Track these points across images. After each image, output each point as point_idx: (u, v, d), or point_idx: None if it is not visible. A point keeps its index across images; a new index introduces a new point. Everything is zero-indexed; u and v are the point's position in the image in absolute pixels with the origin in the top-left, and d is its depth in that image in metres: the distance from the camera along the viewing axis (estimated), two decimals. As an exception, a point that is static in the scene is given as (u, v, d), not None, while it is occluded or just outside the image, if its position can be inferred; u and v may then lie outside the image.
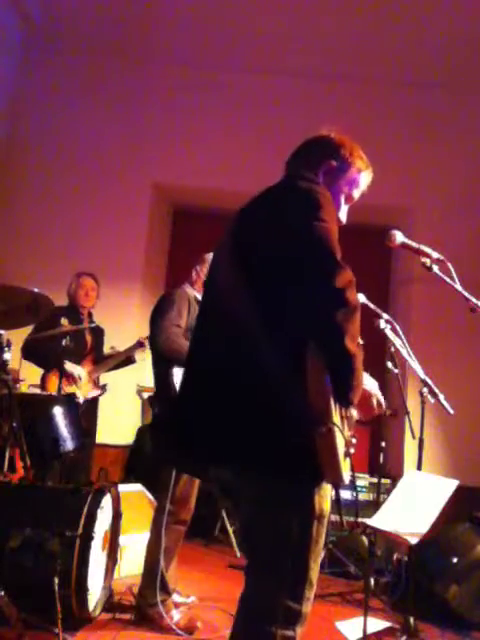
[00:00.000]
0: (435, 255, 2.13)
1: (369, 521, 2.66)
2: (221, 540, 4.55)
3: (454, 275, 2.11)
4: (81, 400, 3.76)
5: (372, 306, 3.01)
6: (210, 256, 3.17)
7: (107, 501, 2.81)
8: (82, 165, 5.50)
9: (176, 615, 2.78)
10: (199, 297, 3.10)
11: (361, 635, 2.65)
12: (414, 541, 2.49)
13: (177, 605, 2.90)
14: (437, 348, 5.05)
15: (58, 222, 5.39)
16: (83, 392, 3.86)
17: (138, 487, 4.04)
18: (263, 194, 1.58)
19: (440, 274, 2.13)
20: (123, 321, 5.07)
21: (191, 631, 2.73)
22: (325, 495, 1.47)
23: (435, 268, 2.13)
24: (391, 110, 5.54)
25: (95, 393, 3.99)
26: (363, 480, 4.55)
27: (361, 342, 1.46)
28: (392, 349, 3.01)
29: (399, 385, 3.24)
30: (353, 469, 1.31)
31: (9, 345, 2.72)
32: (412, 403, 3.33)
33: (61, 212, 5.41)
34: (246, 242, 1.54)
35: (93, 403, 4.02)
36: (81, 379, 3.89)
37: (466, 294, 2.06)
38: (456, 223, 5.31)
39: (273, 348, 1.41)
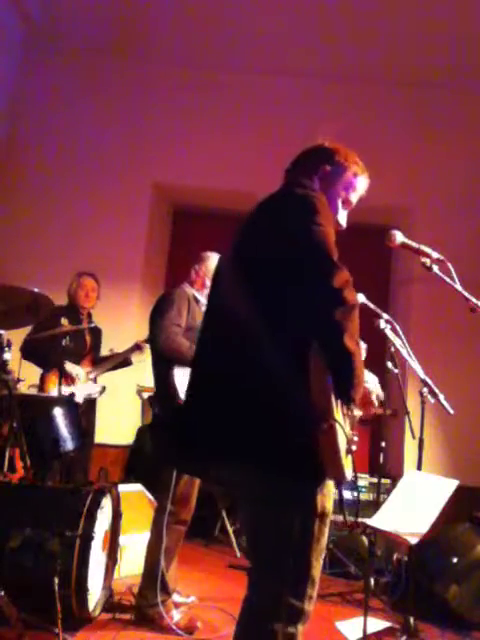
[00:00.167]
0: (435, 255, 2.13)
1: (369, 521, 2.65)
2: (221, 540, 4.55)
3: (454, 275, 2.11)
4: (80, 400, 3.76)
5: (372, 306, 3.01)
6: (209, 255, 3.17)
7: (107, 501, 2.81)
8: (82, 165, 5.49)
9: (176, 615, 2.78)
10: (198, 296, 3.10)
11: (361, 635, 2.65)
12: (414, 541, 2.49)
13: (177, 605, 2.90)
14: (437, 348, 5.04)
15: (58, 222, 5.38)
16: (81, 391, 3.85)
17: (138, 487, 4.04)
18: (264, 202, 1.64)
19: (440, 274, 2.13)
20: (123, 321, 5.07)
21: (191, 631, 2.73)
22: (328, 494, 1.49)
23: (435, 268, 2.13)
24: (391, 110, 5.54)
25: (93, 389, 3.95)
26: (363, 480, 4.55)
27: (365, 345, 1.49)
28: (392, 349, 3.01)
29: (399, 385, 3.23)
30: (355, 470, 1.31)
31: (9, 345, 2.72)
32: (412, 403, 3.33)
33: (61, 212, 5.41)
34: (248, 248, 1.60)
35: (91, 403, 4.02)
36: (80, 379, 3.89)
37: (466, 294, 2.06)
38: (456, 223, 5.31)
39: (276, 349, 1.45)
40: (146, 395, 5.09)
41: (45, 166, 5.49)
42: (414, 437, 3.12)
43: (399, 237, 2.14)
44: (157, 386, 3.04)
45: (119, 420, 5.08)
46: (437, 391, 2.82)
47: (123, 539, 3.21)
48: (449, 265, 2.10)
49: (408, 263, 5.31)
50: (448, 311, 4.48)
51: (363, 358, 1.73)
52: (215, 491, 4.36)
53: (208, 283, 3.08)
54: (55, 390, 3.64)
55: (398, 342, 2.92)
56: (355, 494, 4.42)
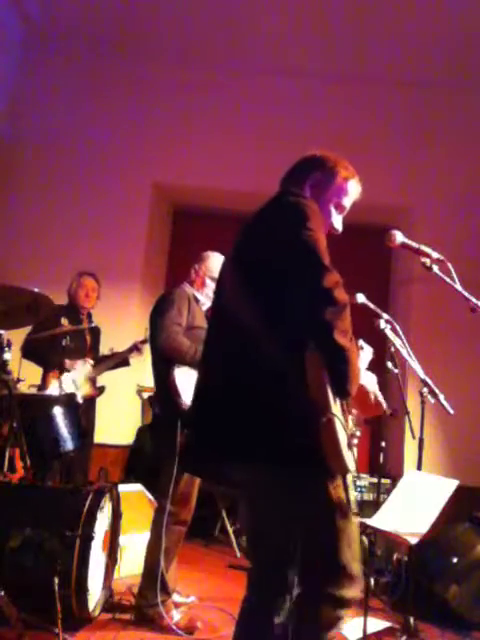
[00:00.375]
0: (435, 255, 2.12)
1: (369, 521, 2.65)
2: (221, 540, 4.55)
3: (454, 275, 2.11)
4: (80, 400, 3.75)
5: (372, 306, 3.00)
6: (209, 254, 3.17)
7: (107, 501, 2.81)
8: (82, 165, 5.49)
9: (176, 615, 2.78)
10: (198, 296, 3.10)
11: (361, 635, 2.65)
12: (414, 541, 2.49)
13: (177, 605, 2.90)
14: (437, 348, 5.04)
15: (58, 222, 5.38)
16: (81, 392, 3.85)
17: (138, 487, 4.04)
18: (260, 210, 1.72)
19: (440, 274, 2.13)
20: (122, 321, 5.07)
21: (191, 631, 2.73)
22: (340, 484, 1.53)
23: (435, 268, 2.13)
24: (391, 110, 5.53)
25: (83, 370, 3.93)
26: (363, 480, 4.55)
27: (370, 349, 1.53)
28: (392, 349, 3.01)
29: (399, 385, 3.23)
30: (357, 471, 1.32)
31: (9, 345, 2.72)
32: (412, 403, 3.33)
33: (61, 212, 5.40)
34: (246, 254, 1.68)
35: (91, 403, 4.02)
36: (77, 368, 3.86)
37: (466, 294, 2.06)
38: (456, 223, 5.31)
39: (275, 349, 1.51)
40: (146, 395, 5.10)
41: (45, 166, 5.49)
42: (414, 437, 3.12)
43: (399, 237, 2.14)
44: (157, 386, 3.04)
45: (119, 420, 5.07)
46: (437, 391, 2.82)
47: (123, 539, 3.21)
48: (449, 265, 2.10)
49: (408, 263, 5.31)
50: (448, 311, 4.49)
51: (370, 359, 1.77)
52: (215, 491, 4.36)
53: (208, 283, 3.09)
54: (56, 388, 3.64)
55: (398, 342, 2.92)
56: (359, 494, 4.43)
